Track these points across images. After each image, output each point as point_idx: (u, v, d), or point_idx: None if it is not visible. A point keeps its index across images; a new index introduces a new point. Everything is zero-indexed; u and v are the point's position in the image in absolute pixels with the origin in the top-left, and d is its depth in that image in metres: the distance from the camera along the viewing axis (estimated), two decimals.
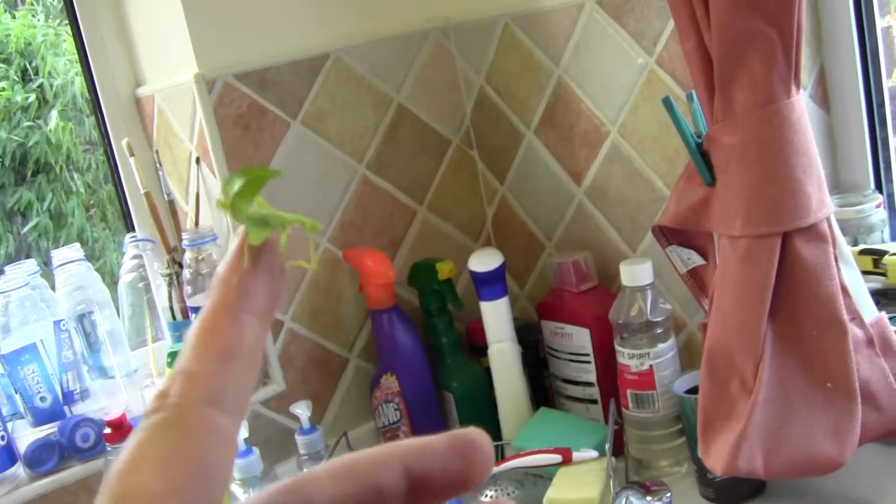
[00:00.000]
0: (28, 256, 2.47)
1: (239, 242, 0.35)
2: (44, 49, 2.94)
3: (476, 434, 0.34)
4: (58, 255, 1.74)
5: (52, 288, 1.74)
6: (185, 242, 1.62)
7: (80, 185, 2.92)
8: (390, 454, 0.33)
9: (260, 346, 0.35)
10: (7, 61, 2.89)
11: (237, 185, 0.36)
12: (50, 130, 2.83)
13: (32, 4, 2.94)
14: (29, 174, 2.83)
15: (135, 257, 1.80)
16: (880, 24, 1.47)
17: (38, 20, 2.93)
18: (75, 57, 2.69)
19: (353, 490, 0.32)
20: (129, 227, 1.88)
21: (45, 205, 2.85)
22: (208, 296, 0.35)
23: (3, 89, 2.80)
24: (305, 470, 1.52)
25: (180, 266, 1.71)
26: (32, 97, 2.88)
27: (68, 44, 2.94)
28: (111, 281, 1.85)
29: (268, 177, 0.37)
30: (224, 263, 0.36)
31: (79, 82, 2.89)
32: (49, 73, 2.91)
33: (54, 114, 2.88)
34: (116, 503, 0.29)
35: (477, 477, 0.34)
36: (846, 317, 1.17)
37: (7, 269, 1.69)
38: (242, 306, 0.34)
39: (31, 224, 2.78)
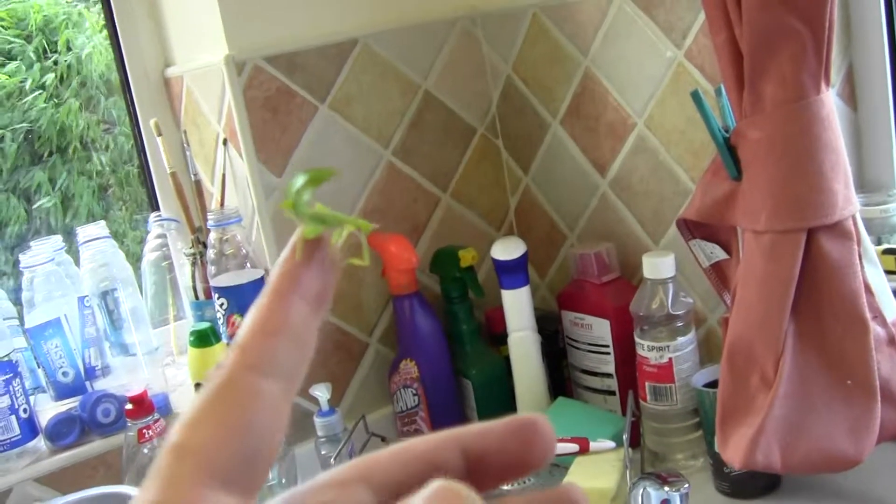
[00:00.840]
0: (38, 235, 2.49)
1: (295, 237, 0.38)
2: (64, 27, 2.95)
3: (537, 418, 0.35)
4: (83, 232, 1.75)
5: (77, 264, 1.75)
6: (210, 223, 1.63)
7: (95, 165, 2.93)
8: (449, 436, 0.35)
9: (308, 328, 0.37)
10: (28, 38, 2.90)
11: (299, 183, 0.39)
12: (67, 111, 2.84)
13: None
14: (46, 154, 2.84)
15: (159, 237, 1.81)
16: None
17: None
18: (96, 35, 2.70)
19: (413, 470, 0.34)
20: (154, 207, 1.89)
21: (58, 185, 2.86)
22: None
23: (18, 70, 2.80)
24: (323, 451, 1.54)
25: (204, 246, 1.72)
26: (51, 76, 2.89)
27: (90, 24, 2.95)
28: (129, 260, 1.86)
29: (326, 176, 0.40)
30: (281, 256, 0.38)
31: (96, 61, 2.89)
32: (68, 49, 2.92)
33: (69, 94, 2.89)
34: (170, 451, 0.32)
35: (536, 459, 0.35)
36: (868, 315, 1.17)
37: (33, 244, 1.70)
38: (292, 290, 0.37)
39: (38, 203, 2.79)
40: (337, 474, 0.34)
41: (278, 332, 0.35)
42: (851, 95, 1.49)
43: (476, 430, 0.35)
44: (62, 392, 1.62)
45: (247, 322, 0.36)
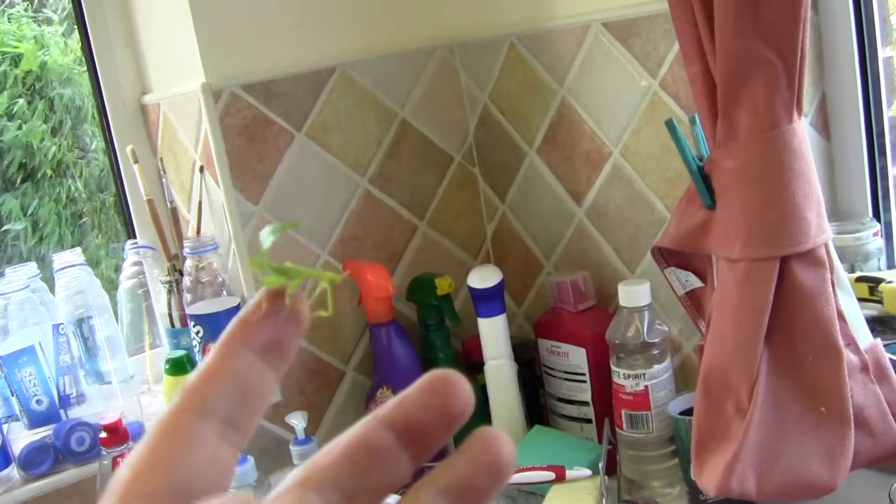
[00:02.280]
0: (10, 263, 2.47)
1: (261, 291, 0.39)
2: (36, 52, 2.93)
3: (446, 370, 0.36)
4: (59, 259, 1.74)
5: (51, 292, 1.74)
6: (186, 250, 1.63)
7: (65, 193, 2.91)
8: (371, 419, 0.35)
9: (255, 377, 0.38)
10: None
11: (264, 238, 0.40)
12: (39, 136, 2.82)
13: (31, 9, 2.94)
14: (19, 180, 2.82)
15: (135, 264, 1.80)
16: (882, 54, 1.48)
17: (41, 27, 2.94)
18: (68, 62, 2.68)
19: (348, 460, 0.34)
20: (130, 234, 1.88)
21: (30, 210, 2.85)
22: None
23: None
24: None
25: (180, 274, 1.72)
26: (21, 101, 2.87)
27: (63, 51, 2.93)
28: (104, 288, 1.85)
29: (289, 226, 0.42)
30: (244, 308, 0.39)
31: (69, 91, 2.88)
32: (37, 75, 2.90)
33: (40, 118, 2.88)
34: (112, 482, 0.35)
35: (458, 406, 0.35)
36: (842, 342, 1.18)
37: (7, 271, 1.69)
38: (240, 340, 0.38)
39: (7, 228, 2.78)
40: (287, 489, 0.34)
41: (218, 379, 0.37)
42: (825, 125, 1.50)
43: (394, 402, 0.35)
44: (36, 420, 1.61)
45: (196, 367, 0.38)
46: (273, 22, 1.69)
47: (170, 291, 1.76)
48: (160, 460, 0.35)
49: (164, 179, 1.80)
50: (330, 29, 1.75)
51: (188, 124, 1.68)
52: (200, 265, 1.62)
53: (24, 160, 2.80)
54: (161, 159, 1.81)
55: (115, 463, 1.42)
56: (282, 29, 1.70)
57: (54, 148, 2.84)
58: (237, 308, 1.65)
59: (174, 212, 1.80)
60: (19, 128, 2.80)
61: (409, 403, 0.35)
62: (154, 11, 1.74)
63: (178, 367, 1.54)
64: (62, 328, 1.66)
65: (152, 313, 1.81)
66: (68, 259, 1.74)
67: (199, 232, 1.72)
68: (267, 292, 0.38)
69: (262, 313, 0.38)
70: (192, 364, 1.55)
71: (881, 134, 1.50)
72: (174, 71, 1.73)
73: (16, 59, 2.88)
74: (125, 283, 1.80)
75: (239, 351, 0.37)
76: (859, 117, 1.47)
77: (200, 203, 1.71)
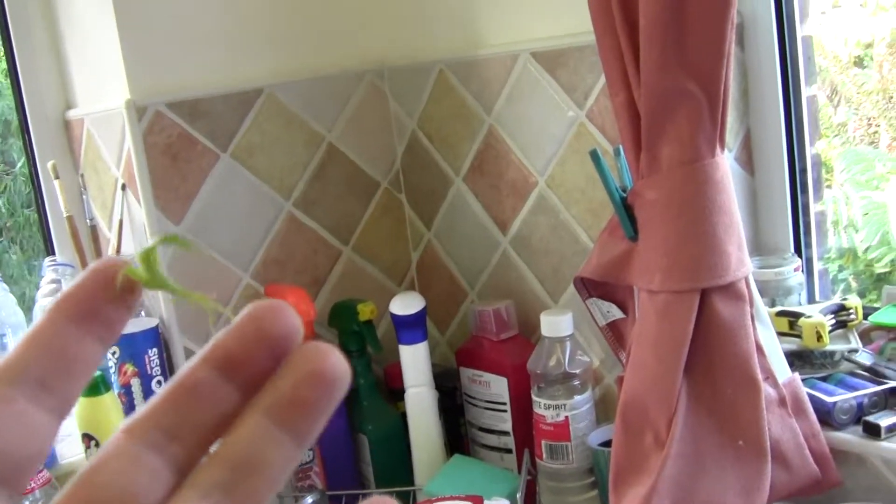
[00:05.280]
0: None
1: (89, 267, 0.37)
2: None
3: (263, 300, 0.35)
4: None
5: None
6: None
7: None
8: (193, 360, 0.34)
9: (72, 344, 0.36)
10: None
11: (156, 243, 0.39)
12: None
13: None
14: None
15: (53, 282, 1.76)
16: (806, 92, 1.50)
17: None
18: None
19: (169, 401, 0.34)
20: (50, 251, 1.85)
21: None
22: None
23: None
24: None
25: None
26: None
27: None
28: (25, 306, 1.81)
29: (181, 243, 0.41)
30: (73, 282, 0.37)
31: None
32: None
33: None
34: None
35: (276, 329, 0.34)
36: (760, 376, 1.19)
37: None
38: (61, 313, 0.36)
39: None
40: (113, 438, 0.33)
41: (32, 346, 0.35)
42: (749, 160, 1.52)
43: (213, 340, 0.34)
44: None
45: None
46: (201, 41, 1.67)
47: None
48: None
49: (84, 196, 1.77)
50: (258, 50, 1.74)
51: (111, 141, 1.66)
52: None
53: None
54: (82, 175, 1.78)
55: None
56: (210, 48, 1.68)
57: None
58: (155, 329, 1.62)
59: (94, 229, 1.77)
60: None
61: (226, 336, 0.34)
62: (80, 25, 1.71)
63: (93, 388, 1.50)
64: None
65: None
66: None
67: (119, 251, 1.69)
68: (94, 271, 0.36)
69: (87, 290, 0.36)
70: (107, 385, 1.51)
71: (804, 171, 1.52)
72: (99, 86, 1.70)
73: None
74: (42, 300, 1.76)
75: (57, 322, 0.35)
76: (783, 154, 1.49)
77: (121, 222, 1.68)
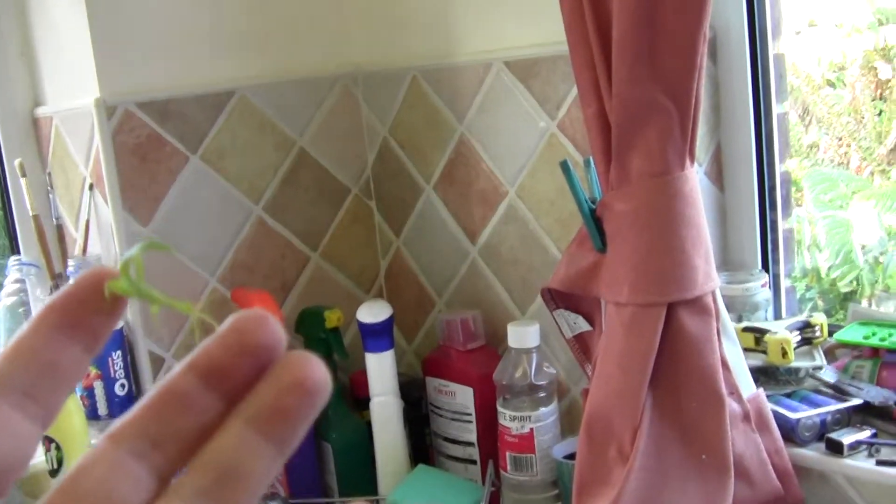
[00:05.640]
0: None
1: (78, 277, 0.37)
2: None
3: (248, 311, 0.35)
4: None
5: None
6: (70, 269, 1.59)
7: None
8: (177, 369, 0.34)
9: (57, 353, 0.36)
10: None
11: (134, 252, 0.38)
12: None
13: None
14: None
15: (17, 281, 1.75)
16: (776, 110, 1.51)
17: None
18: None
19: (153, 410, 0.34)
20: (15, 250, 1.83)
21: None
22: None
23: None
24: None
25: None
26: None
27: None
28: None
29: (157, 247, 0.41)
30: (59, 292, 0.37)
31: None
32: None
33: None
34: None
35: (259, 339, 0.34)
36: (725, 390, 1.19)
37: None
38: (47, 321, 0.36)
39: None
40: (98, 445, 0.34)
41: (18, 355, 0.35)
42: (719, 175, 1.52)
43: (198, 347, 0.35)
44: None
45: None
46: (174, 40, 1.66)
47: None
48: None
49: (51, 195, 1.76)
50: (231, 52, 1.72)
51: (80, 140, 1.64)
52: None
53: None
54: (49, 174, 1.76)
55: None
56: (182, 48, 1.67)
57: None
58: (119, 332, 1.61)
59: (60, 229, 1.75)
60: None
61: (210, 345, 0.34)
62: (51, 22, 1.70)
63: None
64: None
65: None
66: None
67: (85, 251, 1.68)
68: (81, 279, 0.37)
69: (73, 299, 0.36)
70: None
71: (773, 188, 1.52)
72: (69, 84, 1.68)
73: None
74: (5, 300, 1.75)
75: (42, 330, 0.36)
76: (752, 170, 1.49)
77: (88, 222, 1.66)
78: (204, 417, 0.34)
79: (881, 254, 1.62)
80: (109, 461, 0.33)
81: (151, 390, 0.34)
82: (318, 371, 0.34)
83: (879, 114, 1.64)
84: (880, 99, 1.63)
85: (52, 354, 0.35)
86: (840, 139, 1.71)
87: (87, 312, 0.36)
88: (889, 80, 1.61)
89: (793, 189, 1.57)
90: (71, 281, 0.37)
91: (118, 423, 0.34)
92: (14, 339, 0.35)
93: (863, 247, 1.64)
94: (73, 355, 0.36)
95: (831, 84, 1.70)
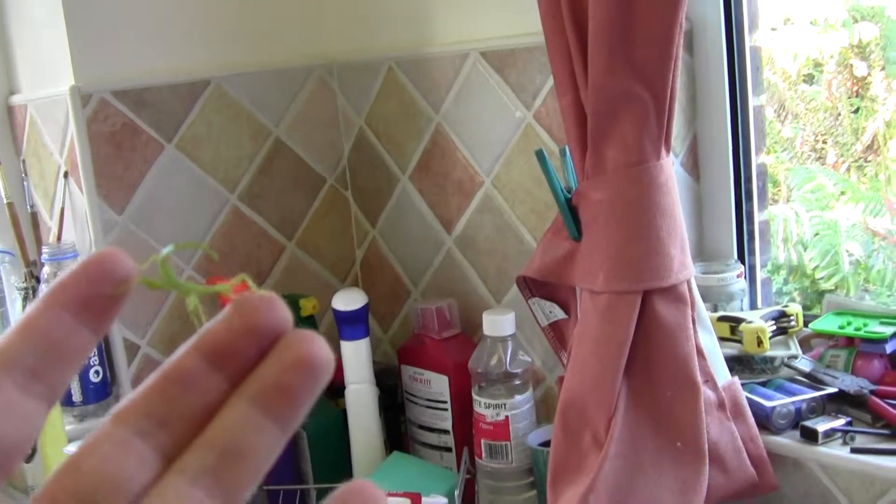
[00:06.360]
0: None
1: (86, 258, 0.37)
2: None
3: (254, 293, 0.36)
4: None
5: None
6: (44, 256, 1.58)
7: None
8: (181, 347, 0.35)
9: (64, 334, 0.36)
10: None
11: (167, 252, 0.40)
12: None
13: None
14: None
15: None
16: (753, 102, 1.51)
17: None
18: None
19: (158, 389, 0.34)
20: None
21: None
22: None
23: None
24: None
25: (38, 280, 1.66)
26: None
27: None
28: None
29: (188, 246, 0.42)
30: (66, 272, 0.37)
31: None
32: None
33: None
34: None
35: (264, 320, 0.35)
36: (700, 378, 1.19)
37: None
38: (54, 301, 0.36)
39: None
40: (103, 426, 0.34)
41: (25, 334, 0.35)
42: (695, 166, 1.53)
43: (203, 328, 0.36)
44: None
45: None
46: (149, 29, 1.65)
47: (25, 298, 1.70)
48: None
49: (25, 183, 1.75)
50: (207, 41, 1.72)
51: (55, 128, 1.63)
52: (59, 272, 1.57)
53: None
54: (24, 162, 1.76)
55: None
56: (158, 37, 1.66)
57: None
58: None
59: (34, 216, 1.74)
60: None
61: (215, 326, 0.35)
62: (26, 9, 1.69)
63: None
64: None
65: (7, 320, 1.75)
66: None
67: (59, 239, 1.67)
68: (90, 261, 0.37)
69: (82, 280, 0.36)
70: None
71: (749, 179, 1.53)
72: (43, 72, 1.67)
73: None
74: None
75: (51, 310, 0.36)
76: (728, 161, 1.50)
77: (63, 209, 1.66)
78: (209, 397, 0.34)
79: (867, 258, 1.63)
80: (114, 440, 0.33)
81: (157, 371, 0.35)
82: (320, 349, 0.35)
83: (856, 111, 1.65)
84: (856, 96, 1.64)
85: (60, 334, 0.35)
86: (816, 135, 1.72)
87: (95, 293, 0.36)
88: (865, 77, 1.62)
89: (769, 184, 1.58)
90: (79, 261, 0.37)
91: (123, 402, 0.34)
92: (21, 318, 0.36)
93: (848, 252, 1.65)
94: (80, 335, 0.36)
95: (807, 80, 1.70)
